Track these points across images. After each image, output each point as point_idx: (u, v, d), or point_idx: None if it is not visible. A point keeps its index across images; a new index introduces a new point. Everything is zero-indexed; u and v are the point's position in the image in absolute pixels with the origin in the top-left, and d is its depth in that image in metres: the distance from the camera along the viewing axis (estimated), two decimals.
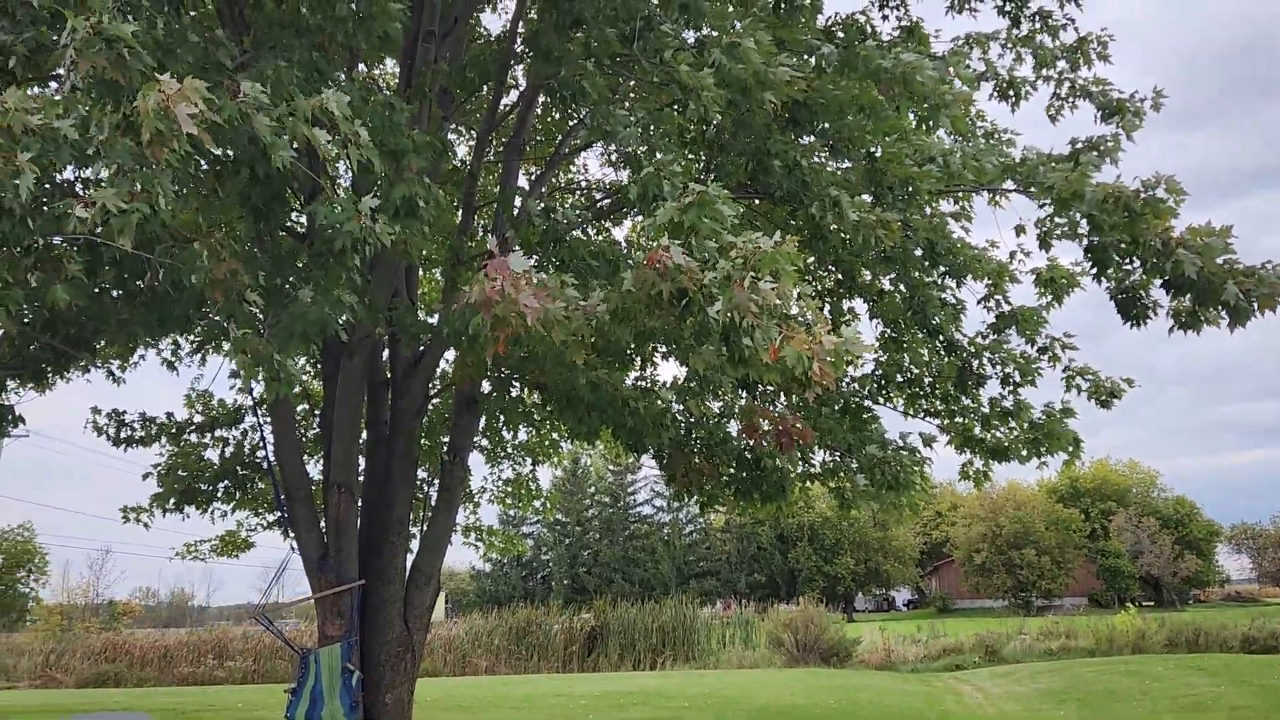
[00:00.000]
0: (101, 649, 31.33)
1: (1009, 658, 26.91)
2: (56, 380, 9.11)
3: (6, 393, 7.46)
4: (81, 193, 5.33)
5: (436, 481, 10.25)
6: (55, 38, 5.02)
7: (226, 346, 9.89)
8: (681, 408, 8.92)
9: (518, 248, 5.56)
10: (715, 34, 6.52)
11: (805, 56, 6.53)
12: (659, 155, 5.87)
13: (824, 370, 4.12)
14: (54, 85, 6.88)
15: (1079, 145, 7.30)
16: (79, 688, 28.37)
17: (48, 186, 4.55)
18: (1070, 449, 8.53)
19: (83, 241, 4.12)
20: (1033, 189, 7.06)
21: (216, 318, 5.10)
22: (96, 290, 5.92)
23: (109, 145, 4.14)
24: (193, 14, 7.49)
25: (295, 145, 4.76)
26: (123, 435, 11.11)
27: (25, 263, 4.34)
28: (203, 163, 5.71)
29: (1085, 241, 7.08)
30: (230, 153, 5.74)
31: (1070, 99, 8.70)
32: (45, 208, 4.36)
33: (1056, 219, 7.46)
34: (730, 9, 7.57)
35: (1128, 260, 6.86)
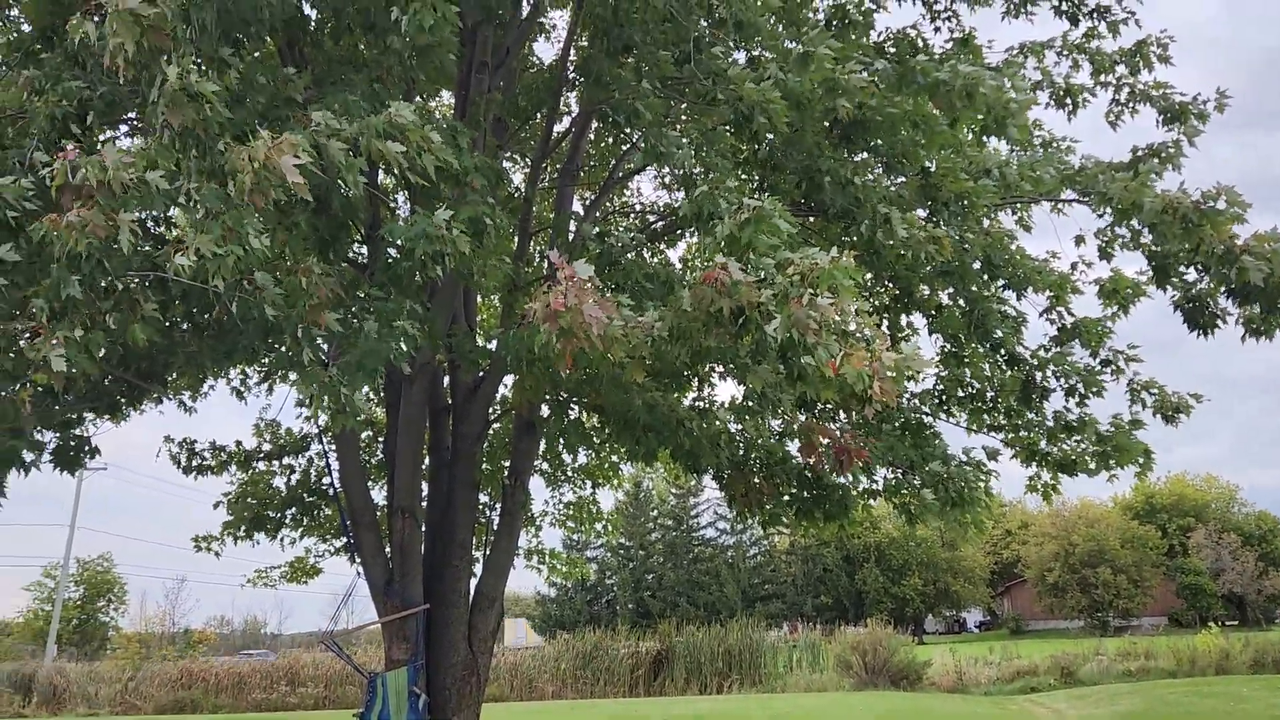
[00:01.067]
0: (178, 676, 31.97)
1: (1086, 679, 26.15)
2: (130, 412, 9.40)
3: (84, 425, 7.72)
4: (155, 230, 5.54)
5: (498, 505, 10.32)
6: (128, 89, 5.23)
7: (293, 376, 10.13)
8: (739, 427, 8.89)
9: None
10: (768, 54, 6.54)
11: (860, 72, 6.50)
12: (713, 174, 5.88)
13: (885, 388, 4.09)
14: (123, 136, 7.16)
15: (1139, 152, 7.16)
16: (157, 714, 28.99)
17: (146, 228, 4.75)
18: (1141, 461, 8.30)
19: (154, 279, 4.29)
20: (1091, 198, 6.93)
21: (284, 349, 5.24)
22: (167, 325, 6.11)
23: (199, 192, 4.31)
24: (255, 54, 7.73)
25: (363, 170, 4.89)
26: (194, 464, 11.42)
27: (105, 305, 4.51)
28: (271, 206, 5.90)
29: (1149, 250, 6.93)
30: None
31: (1130, 104, 8.54)
32: (136, 251, 4.54)
33: (1117, 229, 7.32)
34: (780, 28, 7.59)
35: (1191, 268, 6.70)
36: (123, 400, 7.78)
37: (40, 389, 6.46)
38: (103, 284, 4.49)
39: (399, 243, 5.17)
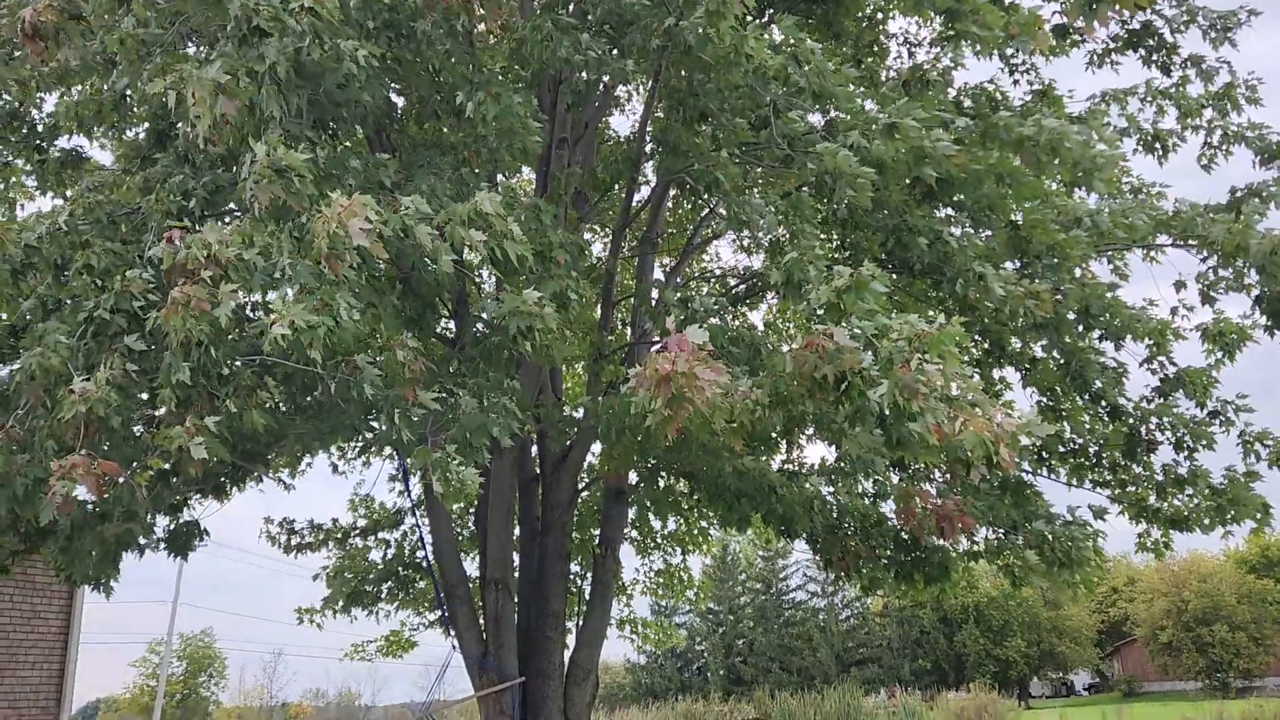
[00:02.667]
0: None
1: None
2: (234, 491, 9.68)
3: (190, 507, 7.97)
4: (253, 314, 5.75)
5: (589, 575, 10.29)
6: (227, 175, 5.49)
7: (388, 450, 10.31)
8: (831, 490, 8.74)
9: (677, 328, 5.60)
10: (844, 115, 6.56)
11: (940, 130, 6.47)
12: (799, 239, 5.88)
13: (1008, 453, 3.99)
14: (227, 221, 7.51)
15: (1239, 193, 6.95)
16: None
17: (241, 310, 4.95)
18: (1259, 515, 7.91)
19: (268, 364, 4.45)
20: (1192, 242, 6.73)
21: (381, 426, 5.35)
22: (273, 408, 6.32)
23: (293, 268, 4.48)
24: (347, 144, 8.06)
25: (452, 250, 5.03)
26: (293, 543, 11.66)
27: (223, 391, 4.70)
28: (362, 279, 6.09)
29: (1255, 292, 6.68)
30: (388, 267, 6.12)
31: (1224, 146, 8.32)
32: (236, 337, 4.74)
33: (1219, 271, 7.08)
34: (854, 88, 7.63)
35: None
36: (226, 482, 8.02)
37: (153, 473, 6.72)
38: (212, 371, 4.66)
39: (490, 318, 5.28)
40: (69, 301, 5.04)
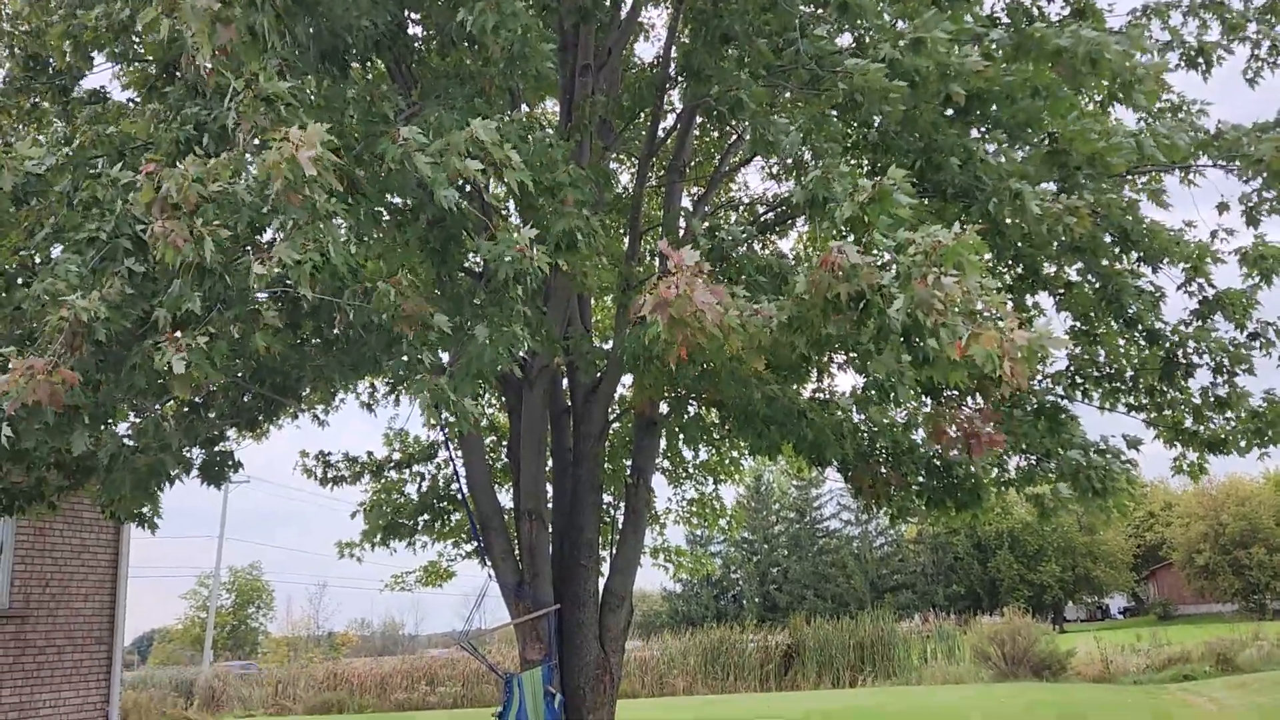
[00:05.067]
0: (324, 678, 33.30)
1: (1245, 667, 24.68)
2: (269, 427, 9.80)
3: (228, 441, 8.10)
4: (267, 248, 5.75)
5: (622, 505, 10.39)
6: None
7: (412, 389, 10.40)
8: (863, 417, 8.70)
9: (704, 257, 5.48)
10: (873, 34, 6.36)
11: (972, 45, 6.25)
12: (824, 160, 5.74)
13: (1016, 369, 3.90)
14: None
15: None
16: (307, 714, 30.25)
17: (248, 247, 4.92)
18: None
19: (280, 294, 4.44)
20: (1237, 163, 6.50)
21: (405, 358, 5.35)
22: (299, 341, 6.35)
23: (280, 201, 4.42)
24: (368, 77, 7.96)
25: (462, 184, 4.95)
26: (329, 475, 11.85)
27: (228, 316, 4.69)
28: (384, 212, 6.04)
29: None
30: (408, 201, 6.07)
31: (1272, 58, 8.00)
32: (236, 264, 4.70)
33: (1264, 193, 6.86)
34: (883, 5, 7.39)
35: None
36: (260, 417, 8.13)
37: (185, 407, 6.80)
38: (222, 298, 4.65)
39: (485, 260, 5.21)
40: (74, 230, 5.02)
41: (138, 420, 6.59)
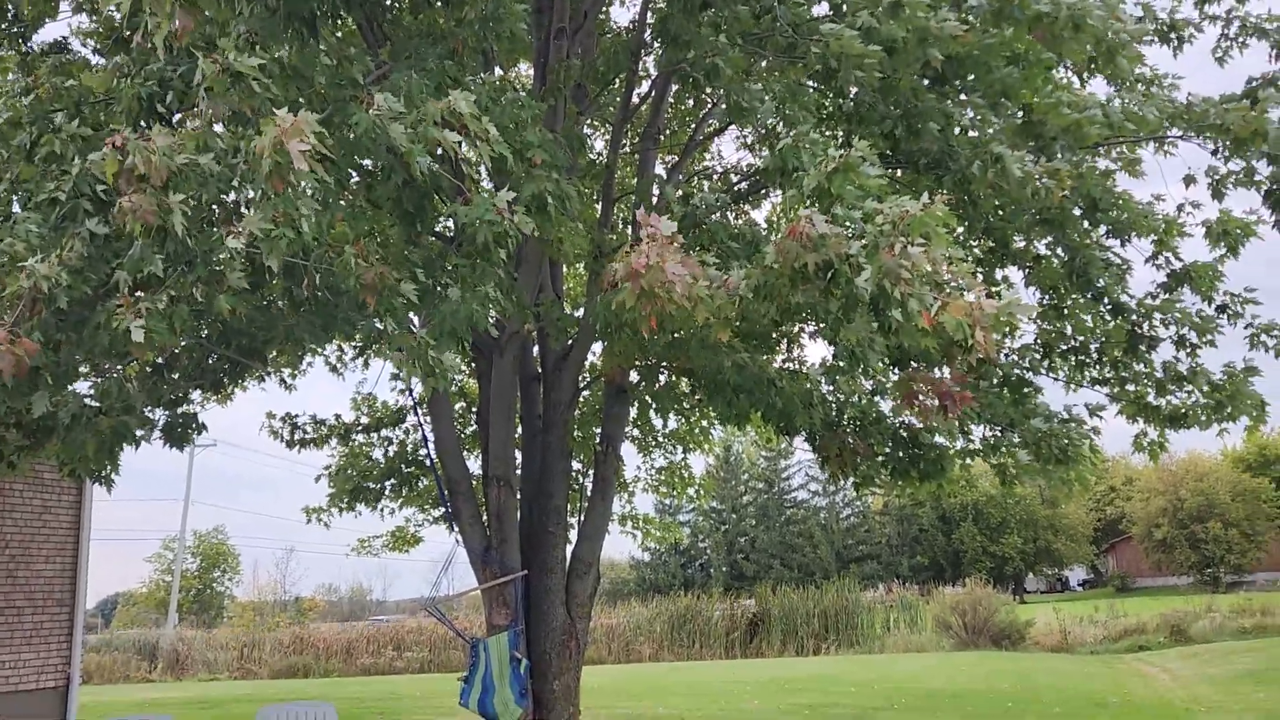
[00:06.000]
0: (290, 643, 33.28)
1: (1198, 638, 25.29)
2: (235, 389, 9.70)
3: (192, 403, 8.00)
4: (236, 216, 5.66)
5: (591, 472, 10.41)
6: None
7: (385, 349, 10.32)
8: (831, 387, 8.75)
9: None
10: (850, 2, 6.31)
11: (950, 10, 6.22)
12: (796, 128, 5.71)
13: (986, 337, 3.93)
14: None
15: (1254, 83, 6.74)
16: (272, 679, 30.25)
17: (215, 209, 4.84)
18: (1255, 413, 7.92)
19: (244, 255, 4.35)
20: (1206, 133, 6.54)
21: (375, 321, 5.30)
22: (265, 303, 6.26)
23: (250, 173, 4.36)
24: (338, 35, 7.81)
25: (436, 150, 4.88)
26: (295, 437, 11.76)
27: (190, 279, 4.62)
28: (353, 174, 5.95)
29: (1266, 188, 6.54)
30: (378, 164, 5.97)
31: (1240, 37, 8.05)
32: (201, 230, 4.63)
33: (1230, 164, 6.92)
34: None
35: None
36: (225, 379, 8.04)
37: (148, 368, 6.71)
38: (184, 260, 4.58)
39: (461, 223, 5.17)
40: (33, 187, 4.91)
41: (99, 381, 6.50)
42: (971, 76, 6.49)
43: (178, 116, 5.21)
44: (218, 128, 4.76)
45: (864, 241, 4.13)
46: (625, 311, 4.46)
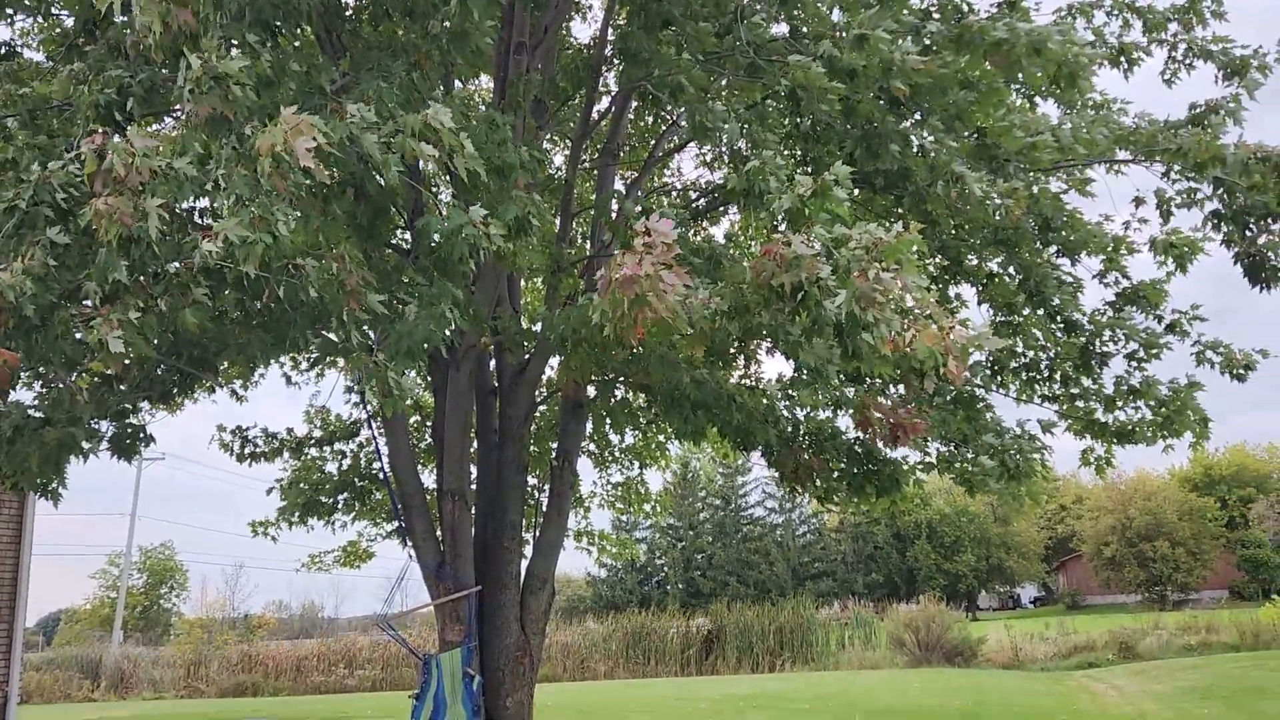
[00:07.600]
0: (239, 660, 32.67)
1: (1145, 654, 25.72)
2: (184, 401, 9.53)
3: (139, 414, 7.84)
4: (201, 221, 5.59)
5: (547, 487, 10.35)
6: (166, 74, 5.26)
7: (341, 362, 10.20)
8: (787, 404, 8.79)
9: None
10: (812, 23, 6.39)
11: (908, 39, 6.31)
12: (764, 150, 5.75)
13: (957, 365, 3.98)
14: (169, 121, 7.23)
15: (1198, 109, 6.91)
16: (220, 697, 29.65)
17: (179, 213, 4.77)
18: (1197, 428, 8.09)
19: (208, 265, 4.30)
20: (1157, 157, 6.70)
21: (331, 336, 5.25)
22: (217, 313, 6.17)
23: (227, 178, 4.31)
24: (296, 44, 7.74)
25: (403, 161, 4.86)
26: (246, 451, 11.55)
27: (156, 290, 4.55)
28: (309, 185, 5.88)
29: (1210, 207, 6.71)
30: (337, 174, 5.92)
31: (1187, 60, 8.26)
32: (168, 238, 4.56)
33: (1176, 187, 7.09)
34: None
35: (1267, 221, 6.47)
36: (175, 390, 7.89)
37: (97, 379, 6.56)
38: (152, 270, 4.52)
39: (436, 237, 5.13)
40: None
41: (44, 391, 6.35)
42: (925, 103, 6.60)
43: (131, 128, 5.14)
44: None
45: (834, 265, 4.15)
46: (609, 318, 4.40)
